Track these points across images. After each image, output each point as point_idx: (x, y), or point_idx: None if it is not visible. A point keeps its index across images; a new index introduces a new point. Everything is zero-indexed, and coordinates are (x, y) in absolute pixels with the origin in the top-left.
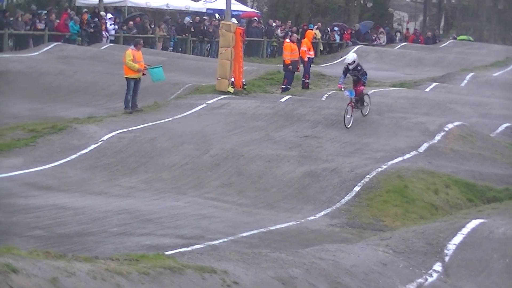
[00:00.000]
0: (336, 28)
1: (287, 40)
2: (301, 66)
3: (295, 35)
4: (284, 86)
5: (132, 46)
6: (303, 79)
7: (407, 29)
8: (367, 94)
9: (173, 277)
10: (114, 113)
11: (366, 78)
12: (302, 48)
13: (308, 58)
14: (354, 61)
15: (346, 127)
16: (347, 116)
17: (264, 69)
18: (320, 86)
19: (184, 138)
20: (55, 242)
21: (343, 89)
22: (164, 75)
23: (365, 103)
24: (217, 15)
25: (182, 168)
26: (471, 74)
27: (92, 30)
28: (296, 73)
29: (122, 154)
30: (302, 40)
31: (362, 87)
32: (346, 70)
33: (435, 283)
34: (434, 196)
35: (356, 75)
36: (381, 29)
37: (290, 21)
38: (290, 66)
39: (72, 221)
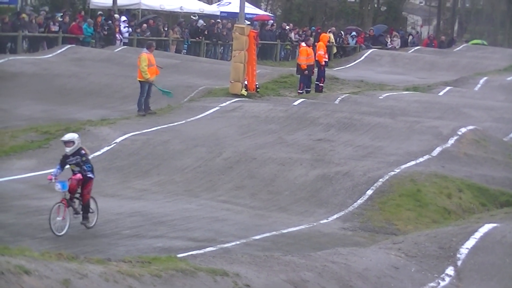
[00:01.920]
0: (354, 33)
1: (303, 44)
2: (315, 70)
3: (311, 39)
4: (301, 91)
5: (145, 49)
6: (317, 82)
7: (417, 32)
8: (92, 198)
9: (185, 279)
10: (128, 115)
11: (90, 168)
12: (319, 52)
13: (324, 61)
14: (74, 141)
15: (56, 235)
16: (57, 218)
17: (278, 72)
18: (333, 89)
19: (197, 141)
20: (67, 244)
21: (53, 180)
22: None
23: (90, 210)
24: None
25: (194, 171)
26: (485, 78)
27: (106, 33)
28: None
29: (135, 157)
30: (317, 43)
31: (81, 177)
32: (65, 159)
33: (447, 287)
34: (447, 200)
35: (78, 163)
36: (395, 33)
37: (307, 27)
38: (306, 71)
39: None
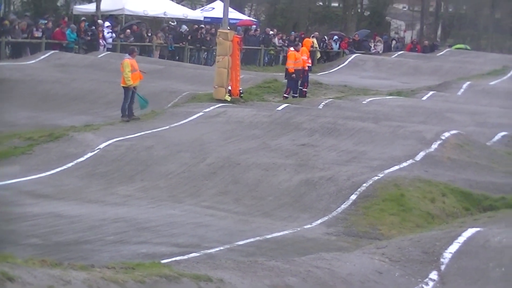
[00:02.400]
0: (336, 37)
1: (292, 48)
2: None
3: (300, 44)
4: (287, 95)
5: (128, 55)
6: (301, 87)
7: (400, 37)
8: None
9: (169, 285)
10: (111, 121)
11: None
12: (302, 57)
13: (307, 66)
14: None
15: None
16: None
17: (261, 77)
18: (317, 94)
19: (180, 147)
20: (51, 250)
21: None
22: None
23: None
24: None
25: (178, 177)
26: (468, 82)
27: (89, 38)
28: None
29: (119, 162)
30: (301, 48)
31: None
32: None
33: None
34: (431, 205)
35: None
36: (378, 38)
37: (293, 33)
38: (294, 75)
39: (68, 229)
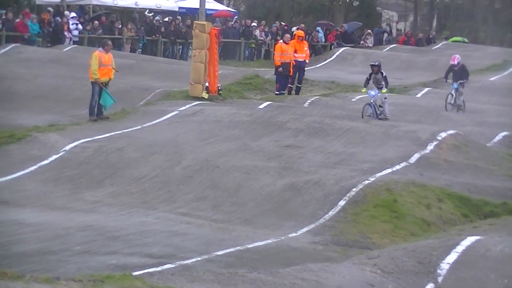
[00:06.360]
0: (318, 28)
1: (280, 40)
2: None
3: (288, 35)
4: (278, 92)
5: (100, 48)
6: (294, 84)
7: (398, 30)
8: None
9: None
10: (78, 121)
11: None
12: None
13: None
14: None
15: None
16: None
17: (242, 73)
18: (302, 91)
19: (154, 148)
20: (12, 262)
21: None
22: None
23: None
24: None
25: (152, 181)
26: None
27: (51, 30)
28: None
29: (86, 166)
30: (290, 41)
31: None
32: None
33: None
34: (426, 211)
35: None
36: (369, 31)
37: (275, 25)
38: (281, 69)
39: (31, 239)
